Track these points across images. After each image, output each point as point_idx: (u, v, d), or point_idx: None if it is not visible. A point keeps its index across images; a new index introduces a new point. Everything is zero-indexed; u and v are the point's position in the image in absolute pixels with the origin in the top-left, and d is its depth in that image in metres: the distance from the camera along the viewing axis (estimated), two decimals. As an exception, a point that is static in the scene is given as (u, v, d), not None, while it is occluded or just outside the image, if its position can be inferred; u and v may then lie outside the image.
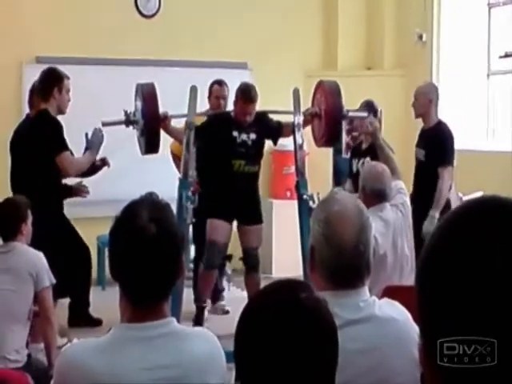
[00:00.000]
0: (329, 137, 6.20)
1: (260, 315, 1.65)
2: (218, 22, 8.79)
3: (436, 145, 6.10)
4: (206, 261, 6.02)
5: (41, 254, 4.50)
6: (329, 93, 6.17)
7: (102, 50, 8.21)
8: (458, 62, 8.67)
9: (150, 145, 5.81)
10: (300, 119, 6.11)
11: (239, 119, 5.99)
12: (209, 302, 6.80)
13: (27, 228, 4.59)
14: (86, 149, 6.18)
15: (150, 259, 2.03)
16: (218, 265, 6.24)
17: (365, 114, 6.41)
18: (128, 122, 5.79)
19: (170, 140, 6.47)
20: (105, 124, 5.93)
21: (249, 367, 1.65)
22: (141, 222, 2.03)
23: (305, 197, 5.87)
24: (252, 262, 6.16)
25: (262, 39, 8.90)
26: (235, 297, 7.04)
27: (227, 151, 5.95)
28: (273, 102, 7.51)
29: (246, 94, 5.96)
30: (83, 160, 6.14)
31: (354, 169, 6.40)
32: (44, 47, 8.11)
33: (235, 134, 5.97)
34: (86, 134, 6.15)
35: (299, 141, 6.07)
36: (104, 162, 6.46)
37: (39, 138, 5.87)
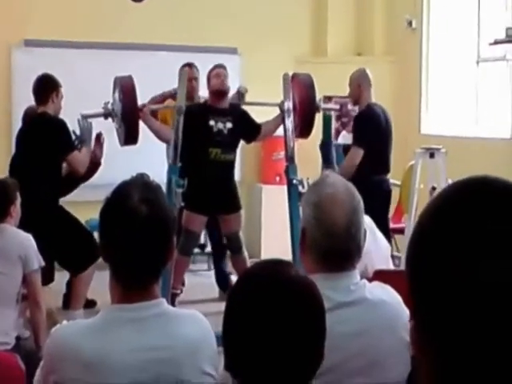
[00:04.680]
0: (302, 128, 6.30)
1: (247, 295, 1.66)
2: (208, 7, 8.75)
3: (355, 126, 6.30)
4: (181, 247, 6.08)
5: (30, 236, 4.48)
6: (302, 85, 6.27)
7: (92, 34, 8.17)
8: (447, 49, 8.67)
9: (129, 136, 5.88)
10: (290, 105, 6.12)
11: (215, 94, 6.15)
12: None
13: (16, 210, 4.57)
14: (78, 142, 6.13)
15: (141, 240, 2.02)
16: (192, 252, 6.48)
17: (337, 107, 6.66)
18: (107, 114, 5.88)
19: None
20: (84, 116, 5.97)
21: (237, 349, 1.65)
22: (132, 203, 2.02)
23: (294, 182, 5.89)
24: (235, 246, 6.37)
25: (252, 25, 8.87)
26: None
27: (204, 140, 6.07)
28: (262, 87, 7.50)
29: (215, 65, 6.28)
30: (85, 156, 6.11)
31: None
32: (32, 30, 8.06)
33: (211, 123, 6.11)
34: (74, 132, 6.11)
35: (289, 126, 6.09)
36: (99, 139, 6.39)
37: (47, 139, 5.87)
